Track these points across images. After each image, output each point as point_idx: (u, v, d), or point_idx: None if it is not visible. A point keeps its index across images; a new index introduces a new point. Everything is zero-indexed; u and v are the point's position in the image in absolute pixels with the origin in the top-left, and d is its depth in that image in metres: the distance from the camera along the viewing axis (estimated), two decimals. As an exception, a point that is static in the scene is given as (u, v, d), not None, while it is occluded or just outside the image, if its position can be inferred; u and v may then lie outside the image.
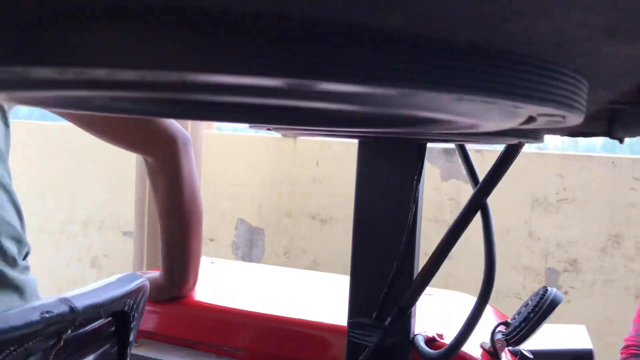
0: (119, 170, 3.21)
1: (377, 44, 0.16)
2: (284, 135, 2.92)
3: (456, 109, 0.21)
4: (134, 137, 1.11)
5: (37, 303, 0.59)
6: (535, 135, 0.58)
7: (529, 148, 2.76)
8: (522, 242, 2.55)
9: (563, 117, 0.25)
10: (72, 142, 3.36)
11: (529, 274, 2.56)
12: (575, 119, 0.26)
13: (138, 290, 0.76)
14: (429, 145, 2.87)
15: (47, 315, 0.57)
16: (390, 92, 0.17)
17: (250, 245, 3.02)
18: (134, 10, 0.14)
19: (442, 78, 0.17)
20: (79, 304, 0.62)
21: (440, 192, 2.68)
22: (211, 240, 3.10)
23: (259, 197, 2.98)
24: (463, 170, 2.66)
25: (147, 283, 0.84)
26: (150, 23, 0.14)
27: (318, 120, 0.38)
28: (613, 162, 2.44)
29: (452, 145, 2.72)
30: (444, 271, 2.47)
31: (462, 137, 0.58)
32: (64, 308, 0.60)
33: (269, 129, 0.66)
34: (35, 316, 0.56)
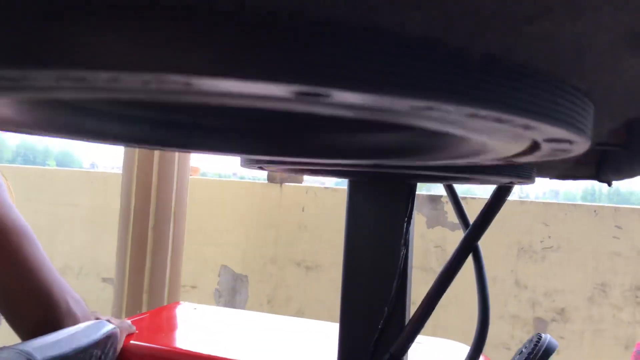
0: (101, 215, 3.16)
1: (394, 51, 0.15)
2: (270, 180, 2.91)
3: (466, 125, 0.20)
4: None
5: None
6: (528, 174, 0.58)
7: (511, 197, 2.78)
8: (509, 291, 2.54)
9: (571, 142, 0.24)
10: (54, 187, 3.32)
11: (517, 324, 2.53)
12: (581, 146, 0.26)
13: (106, 339, 0.71)
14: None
15: None
16: (404, 103, 0.16)
17: (233, 293, 2.96)
18: (139, 7, 0.13)
19: (457, 90, 0.16)
20: (39, 357, 0.58)
21: (425, 239, 2.67)
22: (193, 287, 3.03)
23: (243, 243, 2.94)
24: (448, 218, 2.67)
25: (117, 331, 0.79)
26: (156, 21, 0.14)
27: (314, 151, 0.38)
28: (595, 211, 2.47)
29: (437, 192, 2.73)
30: (431, 321, 2.43)
31: (455, 174, 0.58)
32: None
33: (260, 167, 0.65)
34: None
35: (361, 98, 0.15)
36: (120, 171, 3.02)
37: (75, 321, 0.81)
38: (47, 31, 0.13)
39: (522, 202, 2.57)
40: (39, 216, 3.25)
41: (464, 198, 2.55)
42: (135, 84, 0.14)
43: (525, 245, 2.52)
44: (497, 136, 0.22)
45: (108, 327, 0.71)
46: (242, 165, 0.65)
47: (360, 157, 0.39)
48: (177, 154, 2.64)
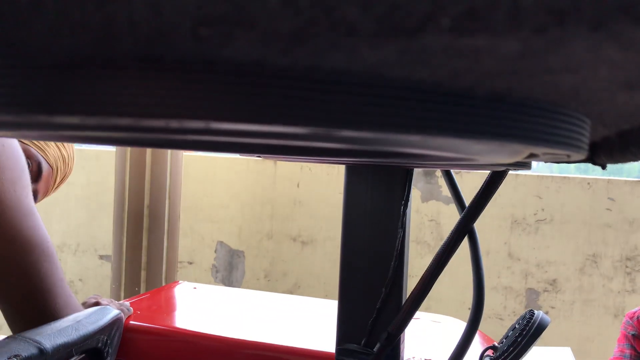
0: (97, 193, 3.16)
1: (400, 95, 0.16)
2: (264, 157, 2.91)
3: (468, 150, 0.21)
4: None
5: (2, 345, 0.56)
6: (524, 163, 0.59)
7: (506, 169, 2.80)
8: (502, 263, 2.58)
9: (568, 155, 0.25)
10: (47, 165, 3.30)
11: (510, 295, 2.58)
12: (578, 157, 0.26)
13: (112, 324, 0.73)
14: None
15: (16, 359, 0.55)
16: (410, 138, 0.17)
17: (230, 269, 2.99)
18: (164, 61, 0.14)
19: (462, 125, 0.17)
20: (49, 345, 0.59)
21: (420, 213, 2.70)
22: (190, 263, 3.06)
23: (239, 219, 2.96)
24: (443, 192, 2.69)
25: (122, 316, 0.80)
26: (179, 73, 0.14)
27: (307, 151, 0.38)
28: (589, 183, 2.49)
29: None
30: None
31: (452, 161, 0.59)
32: (33, 350, 0.57)
33: (259, 155, 0.65)
34: None
35: (372, 136, 0.16)
36: (112, 148, 3.01)
37: None
38: (75, 81, 0.14)
39: (516, 176, 2.59)
40: (33, 195, 3.24)
41: (459, 172, 2.57)
42: (158, 125, 0.15)
43: (518, 217, 2.55)
44: (498, 155, 0.23)
45: (113, 313, 0.73)
46: (240, 154, 0.66)
47: (356, 157, 0.40)
48: (170, 131, 2.62)
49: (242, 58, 0.14)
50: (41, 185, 1.05)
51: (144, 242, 2.66)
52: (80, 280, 3.24)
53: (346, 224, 0.91)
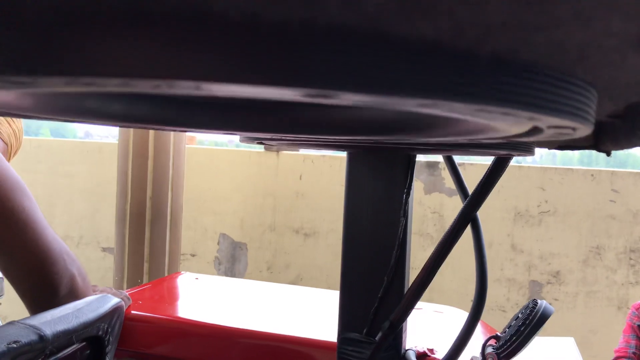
0: (99, 185, 3.16)
1: (403, 54, 0.15)
2: (266, 149, 2.91)
3: (472, 117, 0.20)
4: None
5: (1, 331, 0.56)
6: (528, 148, 0.58)
7: (509, 161, 2.79)
8: (505, 255, 2.57)
9: (574, 129, 0.25)
10: (50, 157, 3.31)
11: (513, 287, 2.57)
12: (584, 131, 0.26)
13: (112, 312, 0.72)
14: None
15: (15, 345, 0.54)
16: (412, 102, 0.16)
17: (232, 261, 2.99)
18: (153, 15, 0.13)
19: (464, 89, 0.16)
20: (49, 331, 0.59)
21: (423, 205, 2.69)
22: (193, 255, 3.06)
23: (241, 211, 2.96)
24: (446, 184, 2.68)
25: (123, 304, 0.80)
26: (169, 29, 0.14)
27: (310, 127, 0.38)
28: (592, 175, 2.48)
29: (434, 159, 2.74)
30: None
31: (452, 148, 0.58)
32: (33, 337, 0.57)
33: (259, 142, 0.65)
34: (1, 347, 0.53)
35: (369, 99, 0.15)
36: (114, 140, 3.01)
37: (71, 279, 0.81)
38: (58, 39, 0.13)
39: (519, 167, 2.58)
40: (36, 187, 3.25)
41: (462, 164, 2.56)
42: (146, 87, 0.14)
43: (522, 209, 2.54)
44: (501, 123, 0.23)
45: (114, 301, 0.73)
46: (240, 141, 0.65)
47: (359, 134, 0.39)
48: (173, 123, 2.62)
49: (234, 11, 0.14)
50: None
51: (147, 234, 2.66)
52: (83, 272, 3.25)
53: (348, 212, 0.91)
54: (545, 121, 0.21)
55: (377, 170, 0.86)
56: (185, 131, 0.44)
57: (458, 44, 0.16)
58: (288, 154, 2.90)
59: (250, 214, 2.94)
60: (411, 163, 0.84)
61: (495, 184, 0.77)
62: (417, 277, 0.81)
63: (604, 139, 0.69)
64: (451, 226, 0.80)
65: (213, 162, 3.01)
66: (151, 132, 2.62)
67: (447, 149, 0.75)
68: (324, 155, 2.86)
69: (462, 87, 0.16)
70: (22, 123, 1.16)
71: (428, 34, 0.15)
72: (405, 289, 0.85)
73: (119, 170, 2.65)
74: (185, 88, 0.14)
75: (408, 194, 0.84)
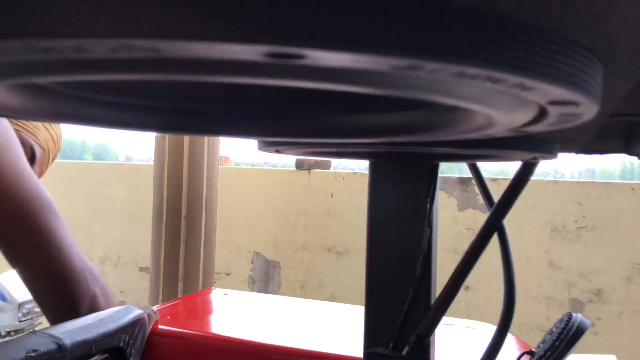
0: (136, 206, 3.23)
1: (374, 8, 0.14)
2: (298, 168, 2.92)
3: (458, 91, 0.19)
4: None
5: (22, 340, 0.56)
6: (550, 148, 0.56)
7: (544, 177, 2.72)
8: (543, 272, 2.49)
9: (576, 103, 0.23)
10: (89, 180, 3.40)
11: (552, 305, 2.48)
12: (589, 108, 0.24)
13: (134, 323, 0.72)
14: (445, 175, 2.85)
15: (33, 354, 0.54)
16: (384, 62, 0.15)
17: (266, 280, 2.99)
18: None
19: (442, 47, 0.16)
20: (68, 341, 0.59)
21: (457, 222, 2.64)
22: (227, 274, 3.08)
23: (274, 230, 2.96)
24: (479, 200, 2.63)
25: (145, 316, 0.80)
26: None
27: (326, 131, 0.37)
28: (632, 189, 2.39)
29: (468, 174, 2.69)
30: (464, 303, 2.41)
31: (473, 150, 0.56)
32: (52, 346, 0.57)
33: (277, 151, 0.65)
34: (20, 355, 0.53)
35: (337, 58, 0.15)
36: (150, 161, 3.08)
37: (92, 298, 0.82)
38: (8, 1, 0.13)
39: (555, 182, 2.51)
40: (75, 208, 3.34)
41: (496, 179, 2.51)
42: (102, 51, 0.14)
43: (558, 225, 2.46)
44: (496, 103, 0.21)
45: (136, 312, 0.72)
46: (259, 149, 0.65)
47: (372, 136, 0.38)
48: (206, 144, 2.67)
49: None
50: (36, 168, 1.08)
51: (181, 253, 2.69)
52: (121, 292, 3.29)
53: (371, 223, 0.90)
54: (539, 91, 0.20)
55: (400, 179, 0.85)
56: (201, 135, 0.44)
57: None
58: (319, 172, 2.90)
59: (283, 233, 2.95)
60: (434, 172, 0.83)
61: (521, 190, 0.74)
62: (444, 288, 0.78)
63: (633, 141, 0.67)
64: (477, 236, 0.78)
65: (246, 181, 3.04)
66: (185, 153, 2.67)
67: (467, 157, 0.74)
68: (354, 173, 2.85)
69: (437, 45, 0.15)
70: (61, 130, 1.19)
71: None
72: (432, 301, 0.83)
73: (155, 191, 2.70)
74: (143, 50, 0.14)
75: (432, 203, 0.82)
